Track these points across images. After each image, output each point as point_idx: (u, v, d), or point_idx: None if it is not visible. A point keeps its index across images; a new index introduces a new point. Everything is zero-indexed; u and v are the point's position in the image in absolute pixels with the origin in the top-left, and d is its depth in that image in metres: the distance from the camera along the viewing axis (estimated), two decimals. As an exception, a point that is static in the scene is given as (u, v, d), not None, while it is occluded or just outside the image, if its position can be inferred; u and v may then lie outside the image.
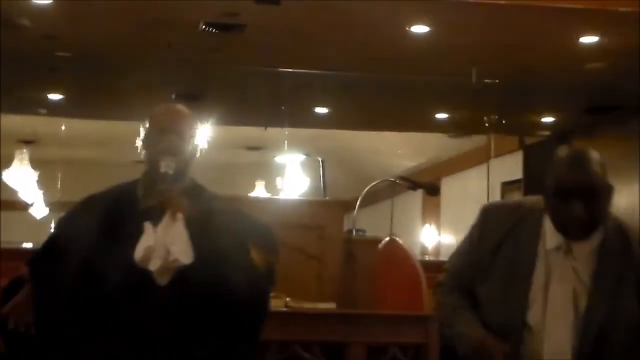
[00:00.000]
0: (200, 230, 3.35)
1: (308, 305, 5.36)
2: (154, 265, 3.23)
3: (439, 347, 5.11)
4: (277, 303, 5.28)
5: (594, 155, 3.12)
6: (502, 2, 7.59)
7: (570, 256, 3.16)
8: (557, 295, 3.08)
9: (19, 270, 3.72)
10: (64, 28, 8.64)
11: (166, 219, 3.31)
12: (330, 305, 5.49)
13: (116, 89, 10.84)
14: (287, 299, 5.32)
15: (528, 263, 3.16)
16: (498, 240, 3.32)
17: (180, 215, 3.32)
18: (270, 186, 17.00)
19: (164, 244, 3.24)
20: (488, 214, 3.48)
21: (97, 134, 14.24)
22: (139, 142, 12.56)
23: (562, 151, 3.23)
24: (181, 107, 3.75)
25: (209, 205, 3.57)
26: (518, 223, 3.33)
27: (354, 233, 7.08)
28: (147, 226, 3.30)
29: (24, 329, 3.49)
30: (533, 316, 3.07)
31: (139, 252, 3.23)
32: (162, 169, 3.46)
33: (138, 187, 3.61)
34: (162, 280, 3.25)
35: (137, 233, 3.30)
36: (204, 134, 12.72)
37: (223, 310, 3.32)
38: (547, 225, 3.25)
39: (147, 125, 3.69)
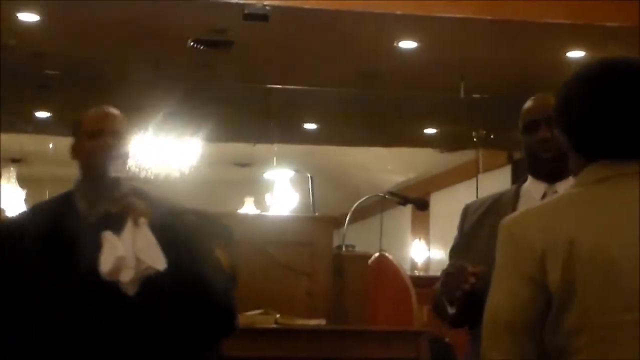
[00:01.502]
0: (166, 234, 3.22)
1: (298, 322, 5.36)
2: (126, 276, 3.09)
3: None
4: (267, 320, 5.27)
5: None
6: (489, 17, 7.64)
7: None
8: None
9: None
10: (52, 45, 8.66)
11: (129, 226, 3.16)
12: (320, 322, 5.48)
13: (100, 105, 10.84)
14: (277, 315, 5.31)
15: None
16: (479, 217, 3.38)
17: (143, 220, 3.18)
18: (259, 202, 17.00)
19: (134, 253, 3.11)
20: (467, 207, 3.63)
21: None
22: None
23: None
24: (112, 108, 3.61)
25: (166, 208, 3.46)
26: (494, 201, 3.43)
27: (343, 249, 7.10)
28: (109, 236, 3.14)
29: None
30: None
31: (106, 264, 3.08)
32: (113, 174, 3.34)
33: (76, 199, 3.45)
34: (131, 291, 3.11)
35: (93, 246, 3.14)
36: (193, 150, 12.77)
37: (196, 314, 3.26)
38: (526, 187, 3.36)
39: (78, 131, 3.53)
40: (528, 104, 3.50)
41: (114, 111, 3.59)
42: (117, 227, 3.17)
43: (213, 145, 13.27)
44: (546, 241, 2.26)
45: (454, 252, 3.59)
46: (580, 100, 2.37)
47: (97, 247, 3.13)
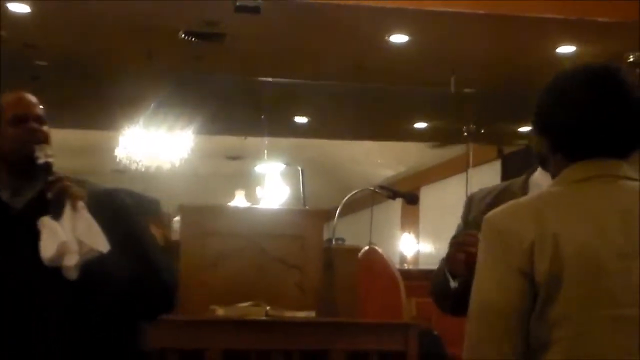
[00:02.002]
0: (103, 214, 3.14)
1: (288, 314, 5.37)
2: (70, 261, 2.99)
3: (418, 354, 5.12)
4: (258, 312, 5.28)
5: None
6: (481, 12, 7.65)
7: None
8: None
9: None
10: (43, 37, 8.65)
11: (67, 211, 3.07)
12: (310, 314, 5.50)
13: (96, 97, 10.85)
14: (267, 307, 5.32)
15: None
16: (486, 206, 3.35)
17: (81, 204, 3.09)
18: (250, 195, 16.99)
19: (75, 237, 3.02)
20: (472, 196, 3.55)
21: (77, 143, 14.24)
22: (118, 152, 12.58)
23: None
24: (28, 93, 3.44)
25: (97, 187, 3.37)
26: (502, 191, 3.38)
27: (333, 242, 7.10)
28: (47, 222, 3.06)
29: None
30: None
31: (48, 250, 2.99)
32: (42, 160, 3.20)
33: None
34: (74, 275, 3.01)
35: (30, 232, 3.06)
36: (184, 143, 12.78)
37: (141, 291, 3.18)
38: (535, 177, 3.28)
39: None
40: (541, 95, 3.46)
41: (32, 96, 3.46)
42: (53, 213, 3.10)
43: (204, 138, 13.29)
44: (534, 235, 2.33)
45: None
46: (561, 105, 2.47)
47: (33, 234, 3.06)
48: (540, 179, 3.22)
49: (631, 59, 8.80)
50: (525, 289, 2.31)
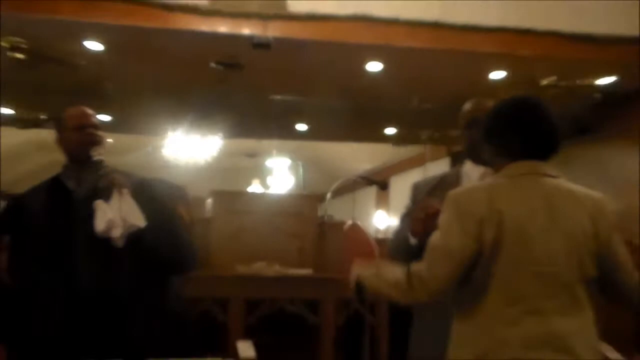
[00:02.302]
0: (142, 198, 3.24)
1: (292, 271, 5.41)
2: (116, 233, 3.11)
3: (388, 303, 5.13)
4: (269, 270, 5.32)
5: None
6: (436, 47, 7.61)
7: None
8: None
9: None
10: (114, 67, 8.65)
11: (115, 195, 3.17)
12: (308, 271, 5.54)
13: (149, 111, 10.82)
14: (277, 266, 5.36)
15: None
16: (428, 191, 3.45)
17: (126, 190, 3.19)
18: (263, 184, 16.95)
19: (121, 215, 3.12)
20: (416, 184, 3.70)
21: (135, 145, 14.19)
22: (165, 151, 12.53)
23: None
24: (86, 107, 3.55)
25: (137, 178, 3.43)
26: (440, 179, 3.51)
27: (325, 218, 7.13)
28: (99, 204, 3.15)
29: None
30: None
31: (100, 225, 3.10)
32: (96, 157, 3.36)
33: (64, 177, 3.42)
34: (120, 243, 3.12)
35: (86, 213, 3.15)
36: (215, 144, 12.76)
37: (169, 254, 3.25)
38: (466, 169, 3.39)
39: (62, 125, 3.49)
40: (468, 106, 3.50)
41: (89, 110, 3.54)
42: (107, 196, 3.18)
43: (228, 141, 13.17)
44: (484, 211, 2.51)
45: (406, 217, 3.62)
46: (503, 125, 2.68)
47: (90, 213, 3.14)
48: (469, 170, 3.32)
49: (544, 83, 8.80)
50: (472, 246, 2.48)
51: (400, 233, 3.34)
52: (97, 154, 3.39)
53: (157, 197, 3.37)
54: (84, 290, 3.08)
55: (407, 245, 3.24)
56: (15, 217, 3.36)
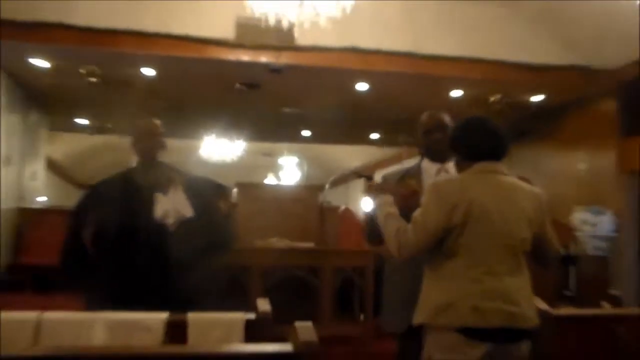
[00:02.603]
0: (191, 193, 3.24)
1: (298, 245, 5.35)
2: (170, 220, 3.14)
3: (372, 268, 5.09)
4: (281, 243, 5.26)
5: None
6: (409, 71, 7.62)
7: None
8: None
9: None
10: (162, 87, 8.64)
11: (172, 190, 3.19)
12: (311, 245, 5.48)
13: (190, 121, 10.82)
14: (287, 241, 5.31)
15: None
16: (397, 181, 3.39)
17: (179, 187, 3.21)
18: (277, 177, 16.96)
19: (174, 206, 3.14)
20: (386, 175, 3.63)
21: (180, 147, 14.15)
22: (201, 151, 12.43)
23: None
24: (156, 119, 3.55)
25: (188, 176, 3.41)
26: (406, 172, 3.50)
27: (324, 203, 7.08)
28: (159, 196, 3.18)
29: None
30: None
31: (158, 212, 3.14)
32: (159, 159, 3.35)
33: (134, 173, 3.41)
34: (173, 228, 3.14)
35: (150, 201, 3.18)
36: (239, 146, 12.74)
37: (208, 237, 3.22)
38: (424, 165, 3.42)
39: (137, 133, 3.47)
40: (425, 118, 3.51)
41: (157, 121, 3.52)
42: (165, 190, 3.20)
43: (250, 143, 13.22)
44: (456, 199, 2.59)
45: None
46: (467, 137, 2.77)
47: (152, 201, 3.16)
48: (426, 166, 3.36)
49: (492, 99, 8.82)
50: (443, 225, 2.57)
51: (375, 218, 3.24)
52: (161, 156, 3.38)
53: (202, 192, 3.36)
54: (144, 259, 3.09)
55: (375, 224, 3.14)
56: (95, 201, 3.35)
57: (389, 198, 2.85)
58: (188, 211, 3.16)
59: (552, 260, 2.75)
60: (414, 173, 3.41)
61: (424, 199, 2.65)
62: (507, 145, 2.76)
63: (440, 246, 2.57)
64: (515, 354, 2.50)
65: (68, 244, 3.26)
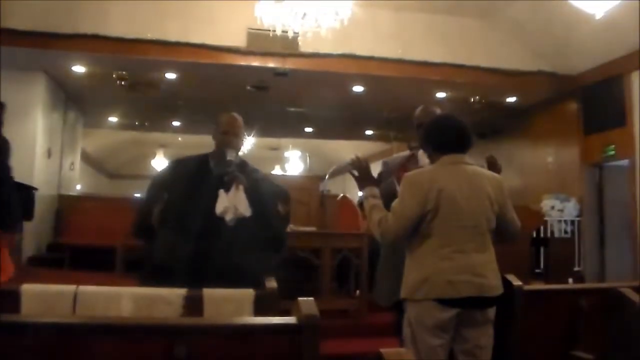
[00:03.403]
0: (252, 193, 3.01)
1: (302, 228, 5.32)
2: (228, 217, 2.92)
3: (367, 250, 5.06)
4: (288, 228, 5.24)
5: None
6: (400, 75, 7.63)
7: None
8: None
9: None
10: (183, 89, 8.62)
11: (233, 189, 2.97)
12: (312, 228, 5.45)
13: (203, 118, 10.78)
14: (291, 225, 5.28)
15: None
16: (399, 165, 3.37)
17: (241, 187, 2.99)
18: (283, 168, 16.96)
19: (234, 204, 2.94)
20: (387, 161, 3.55)
21: (200, 142, 14.14)
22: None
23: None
24: (238, 115, 3.24)
25: (254, 176, 3.16)
26: (408, 157, 3.44)
27: (324, 192, 7.06)
28: (222, 192, 2.96)
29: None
30: None
31: (218, 208, 2.93)
32: (228, 157, 3.06)
33: (210, 161, 3.17)
34: (230, 223, 2.92)
35: (215, 194, 2.96)
36: (249, 141, 12.72)
37: (264, 236, 3.03)
38: (419, 153, 3.21)
39: (217, 126, 3.18)
40: (419, 113, 3.39)
41: (239, 118, 3.22)
42: (228, 187, 2.98)
43: (258, 139, 13.19)
44: (428, 188, 2.58)
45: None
46: (437, 133, 2.75)
47: (216, 195, 2.96)
48: (421, 155, 3.24)
49: (472, 100, 8.79)
50: (418, 211, 2.56)
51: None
52: (230, 155, 3.08)
53: (264, 192, 3.13)
54: (201, 247, 2.90)
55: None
56: (171, 178, 3.14)
57: (373, 191, 2.81)
58: (247, 211, 2.96)
59: (514, 236, 2.75)
60: (413, 159, 3.37)
61: (399, 190, 2.66)
62: (471, 139, 2.77)
63: (417, 230, 2.59)
64: (479, 318, 2.56)
65: (141, 214, 3.08)
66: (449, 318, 2.50)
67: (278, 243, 3.19)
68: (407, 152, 3.55)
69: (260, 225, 3.02)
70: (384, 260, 3.25)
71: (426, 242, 2.57)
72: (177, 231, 2.96)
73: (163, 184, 3.14)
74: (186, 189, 3.05)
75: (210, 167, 3.16)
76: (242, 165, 3.20)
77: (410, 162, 3.33)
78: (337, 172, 9.02)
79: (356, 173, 2.94)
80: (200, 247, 2.90)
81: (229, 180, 3.01)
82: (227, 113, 3.29)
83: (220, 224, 2.94)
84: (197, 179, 3.10)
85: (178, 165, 3.26)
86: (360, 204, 2.92)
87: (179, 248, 2.92)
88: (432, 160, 2.75)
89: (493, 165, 2.97)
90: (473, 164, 2.73)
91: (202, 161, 3.21)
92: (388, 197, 2.81)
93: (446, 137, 2.70)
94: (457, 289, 2.50)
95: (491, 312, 2.60)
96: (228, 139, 3.15)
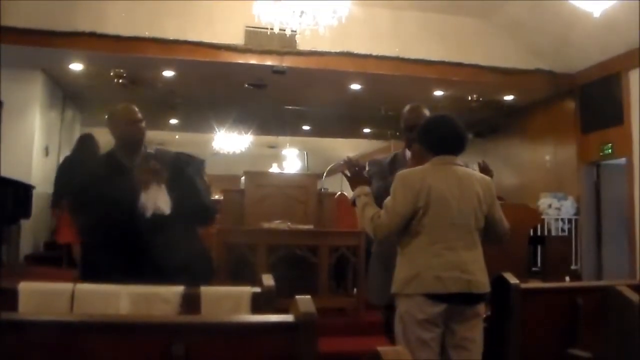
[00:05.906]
0: (172, 168, 2.94)
1: (299, 226, 5.31)
2: (147, 214, 2.84)
3: (364, 247, 5.05)
4: (284, 225, 5.22)
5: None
6: (397, 73, 7.64)
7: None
8: None
9: None
10: (180, 86, 8.61)
11: (154, 185, 2.87)
12: (310, 227, 5.44)
13: (203, 115, 10.79)
14: (288, 223, 5.26)
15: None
16: (388, 164, 3.35)
17: (162, 182, 2.89)
18: (280, 166, 16.94)
19: (154, 202, 2.85)
20: (371, 160, 3.52)
21: (194, 140, 14.11)
22: (214, 143, 12.36)
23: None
24: (133, 105, 3.11)
25: (171, 160, 3.06)
26: (394, 157, 3.41)
27: (322, 190, 7.05)
28: (141, 190, 2.88)
29: None
30: None
31: (140, 205, 2.85)
32: (148, 150, 3.02)
33: (118, 156, 3.06)
34: (149, 214, 2.84)
35: (134, 188, 2.88)
36: (247, 139, 12.70)
37: (192, 211, 2.95)
38: (407, 153, 3.26)
39: (117, 118, 3.07)
40: (407, 114, 3.34)
41: (135, 107, 3.11)
42: (143, 186, 2.89)
43: (256, 137, 13.20)
44: (419, 187, 2.63)
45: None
46: (431, 134, 2.78)
47: (134, 185, 2.89)
48: (408, 153, 3.22)
49: (469, 99, 8.80)
50: (410, 209, 2.62)
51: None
52: (145, 147, 3.02)
53: (183, 167, 3.06)
54: (127, 234, 2.78)
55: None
56: (79, 164, 3.08)
57: (365, 189, 2.83)
58: (166, 208, 2.87)
59: (502, 236, 2.78)
60: (400, 159, 3.37)
61: (392, 188, 2.70)
62: (465, 142, 2.80)
63: (408, 227, 2.64)
64: (468, 313, 2.60)
65: (58, 192, 3.00)
66: (438, 313, 2.55)
67: (208, 213, 3.15)
68: (392, 154, 3.53)
69: (186, 196, 2.93)
70: (374, 260, 3.27)
71: (417, 239, 2.62)
72: (103, 230, 2.86)
73: (71, 167, 2.97)
74: (98, 178, 2.97)
75: (119, 160, 3.05)
76: (157, 153, 3.11)
77: (397, 160, 3.34)
78: (333, 172, 9.01)
79: (348, 173, 2.95)
80: (129, 241, 2.80)
81: (146, 176, 2.90)
82: (122, 104, 3.16)
83: (141, 218, 2.85)
84: (108, 168, 3.02)
85: (82, 157, 3.09)
86: (353, 202, 2.90)
87: (107, 245, 2.84)
88: (426, 158, 2.78)
89: (485, 171, 3.00)
90: (463, 165, 2.79)
91: (108, 155, 3.12)
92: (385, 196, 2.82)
93: (440, 138, 2.74)
94: (446, 285, 2.55)
95: (480, 307, 2.65)
96: (138, 127, 3.05)
